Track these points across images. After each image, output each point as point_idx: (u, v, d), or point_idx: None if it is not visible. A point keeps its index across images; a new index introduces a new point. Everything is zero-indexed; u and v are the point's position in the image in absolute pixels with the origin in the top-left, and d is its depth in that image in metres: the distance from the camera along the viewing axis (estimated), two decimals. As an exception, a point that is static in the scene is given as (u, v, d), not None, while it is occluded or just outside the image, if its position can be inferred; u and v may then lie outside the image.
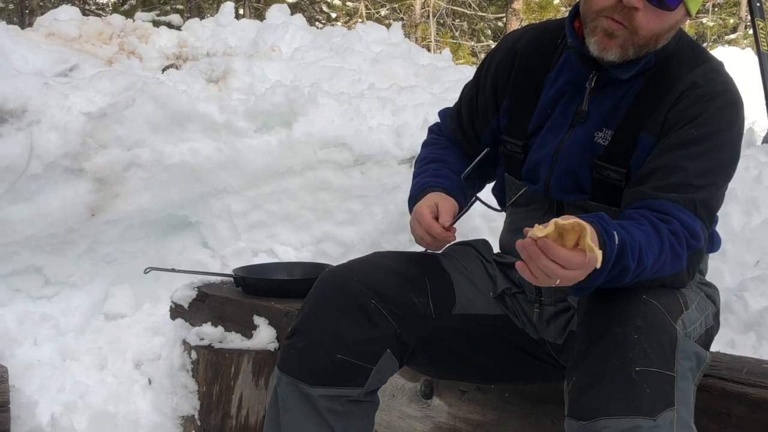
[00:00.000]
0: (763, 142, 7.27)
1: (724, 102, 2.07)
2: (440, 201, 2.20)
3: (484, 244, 2.40)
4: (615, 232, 1.81)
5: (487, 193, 2.44)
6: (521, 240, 1.74)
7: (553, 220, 1.71)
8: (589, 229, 1.70)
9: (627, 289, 1.92)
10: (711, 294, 2.25)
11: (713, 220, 2.08)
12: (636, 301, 1.89)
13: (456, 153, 2.44)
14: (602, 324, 1.88)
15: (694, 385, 1.91)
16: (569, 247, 1.71)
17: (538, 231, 1.71)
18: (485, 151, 2.32)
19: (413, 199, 2.28)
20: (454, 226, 2.19)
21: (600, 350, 1.85)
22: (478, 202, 2.33)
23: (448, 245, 2.26)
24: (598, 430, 1.78)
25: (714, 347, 2.44)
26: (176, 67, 5.78)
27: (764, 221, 4.58)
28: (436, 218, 2.16)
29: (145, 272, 3.55)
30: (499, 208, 2.39)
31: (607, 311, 1.90)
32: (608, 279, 1.83)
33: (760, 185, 5.30)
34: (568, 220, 1.70)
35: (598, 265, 1.72)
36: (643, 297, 1.90)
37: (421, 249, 2.27)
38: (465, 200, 2.33)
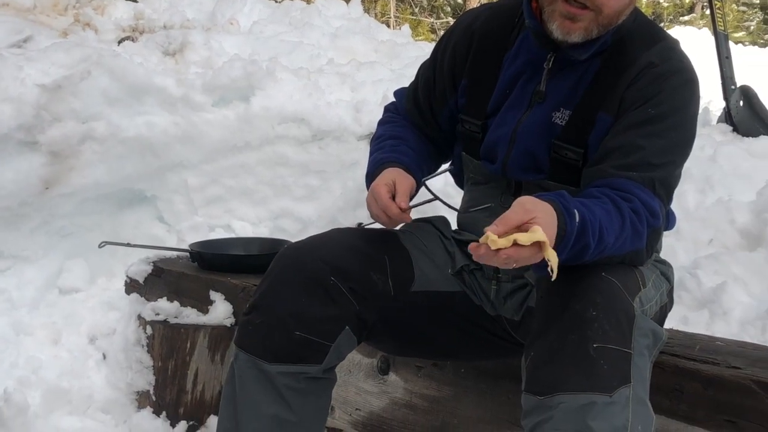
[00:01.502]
0: (718, 122, 7.33)
1: (681, 80, 2.09)
2: (398, 179, 2.18)
3: (443, 221, 2.40)
4: (576, 210, 1.81)
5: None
6: (474, 244, 1.75)
7: (514, 237, 1.71)
8: (547, 241, 1.72)
9: (586, 266, 1.93)
10: (665, 271, 2.27)
11: (671, 199, 2.09)
12: (595, 279, 1.90)
13: (413, 131, 2.43)
14: (561, 300, 1.89)
15: (650, 362, 1.93)
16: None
17: (492, 244, 1.71)
18: (449, 166, 2.31)
19: (371, 175, 2.27)
20: (410, 206, 2.18)
21: (558, 326, 1.86)
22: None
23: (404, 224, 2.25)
24: (554, 406, 1.79)
25: (667, 324, 2.46)
26: (132, 40, 5.70)
27: (719, 200, 4.63)
28: (393, 197, 2.15)
29: (100, 246, 3.52)
30: (456, 208, 2.39)
31: (566, 288, 1.91)
32: (569, 256, 1.84)
33: (715, 164, 5.37)
34: (526, 235, 1.71)
35: (553, 274, 1.74)
36: (602, 274, 1.91)
37: (378, 225, 2.27)
38: (423, 176, 2.32)
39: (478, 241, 1.76)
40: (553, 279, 1.75)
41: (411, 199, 2.19)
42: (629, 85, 2.08)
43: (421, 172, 2.32)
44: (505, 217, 1.75)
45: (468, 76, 2.30)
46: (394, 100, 2.57)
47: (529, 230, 1.72)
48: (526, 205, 1.77)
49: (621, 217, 1.92)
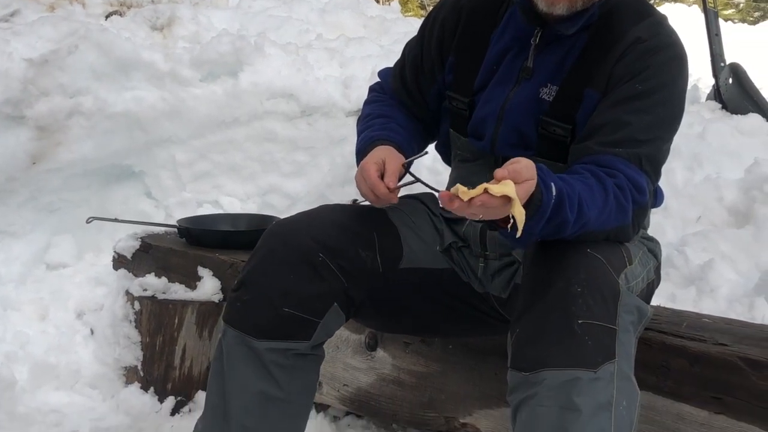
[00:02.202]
0: (707, 99, 7.34)
1: (669, 56, 2.08)
2: (388, 158, 2.15)
3: (432, 197, 2.39)
4: (552, 184, 1.81)
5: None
6: (445, 192, 1.75)
7: (485, 186, 1.71)
8: (516, 198, 1.71)
9: (571, 243, 1.93)
10: (653, 248, 2.27)
11: (658, 175, 2.09)
12: (580, 255, 1.90)
13: (401, 110, 2.41)
14: (546, 277, 1.90)
15: (635, 338, 1.94)
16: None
17: (464, 195, 1.71)
18: (425, 152, 2.29)
19: (361, 153, 2.25)
20: (398, 186, 2.16)
21: (543, 303, 1.86)
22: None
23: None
24: (539, 382, 1.80)
25: (655, 301, 2.47)
26: (120, 14, 5.67)
27: (707, 178, 4.64)
28: (382, 176, 2.13)
29: (88, 222, 3.51)
30: (438, 189, 2.37)
31: (551, 265, 1.91)
32: (547, 231, 1.85)
33: (704, 142, 5.37)
34: (497, 187, 1.71)
35: (518, 232, 1.74)
36: (587, 251, 1.91)
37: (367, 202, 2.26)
38: (414, 154, 2.32)
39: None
40: (517, 237, 1.75)
41: (400, 179, 2.17)
42: (617, 61, 2.07)
43: (411, 151, 2.31)
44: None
45: (455, 52, 2.30)
46: (379, 80, 2.56)
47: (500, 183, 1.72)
48: (508, 165, 1.77)
49: (604, 192, 1.92)
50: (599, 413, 1.78)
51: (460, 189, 1.72)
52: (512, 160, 1.78)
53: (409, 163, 2.16)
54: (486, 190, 1.71)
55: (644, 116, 2.02)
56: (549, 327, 1.83)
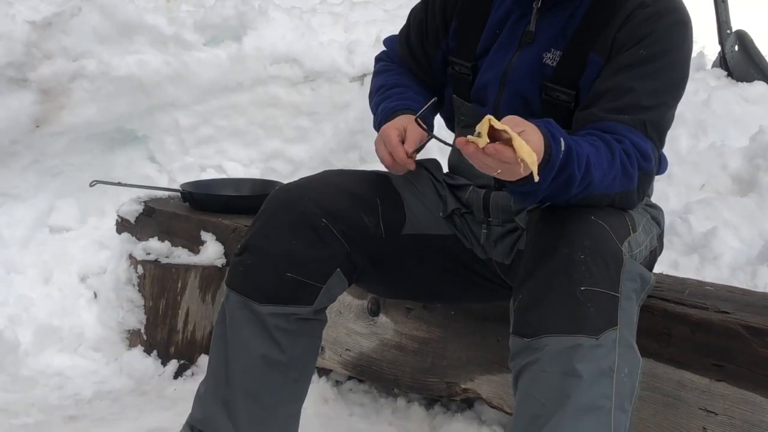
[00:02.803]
0: (713, 66, 7.30)
1: (672, 21, 2.06)
2: (409, 126, 2.15)
3: (435, 164, 2.39)
4: (562, 138, 1.80)
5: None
6: (462, 139, 1.73)
7: (487, 117, 1.69)
8: (523, 144, 1.68)
9: (575, 209, 1.93)
10: (656, 216, 2.27)
11: (663, 142, 2.09)
12: (584, 222, 1.90)
13: (412, 78, 2.41)
14: (549, 243, 1.89)
15: (637, 305, 1.94)
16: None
17: (480, 142, 1.69)
18: (433, 100, 2.24)
19: (383, 123, 2.23)
20: (416, 155, 2.15)
21: (546, 269, 1.86)
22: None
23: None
24: (541, 347, 1.81)
25: (657, 269, 2.48)
26: (123, -23, 5.64)
27: (711, 145, 4.63)
28: (402, 142, 2.13)
29: (91, 185, 3.51)
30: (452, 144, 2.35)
31: (555, 231, 1.91)
32: (554, 187, 1.83)
33: (709, 109, 5.35)
34: (501, 124, 1.69)
35: (534, 174, 1.71)
36: (591, 218, 1.90)
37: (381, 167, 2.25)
38: (432, 122, 2.31)
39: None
40: (536, 180, 1.73)
41: (419, 150, 2.16)
42: (620, 26, 2.05)
43: (431, 118, 2.31)
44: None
45: (458, 17, 2.29)
46: (384, 49, 2.54)
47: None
48: (516, 119, 1.75)
49: (611, 156, 1.91)
50: (601, 379, 1.78)
51: (477, 138, 1.70)
52: (507, 118, 1.76)
53: (424, 121, 2.15)
54: (490, 123, 1.69)
55: (649, 82, 2.01)
56: (551, 293, 1.83)
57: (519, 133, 1.70)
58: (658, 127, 2.03)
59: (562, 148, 1.78)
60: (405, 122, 2.17)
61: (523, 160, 1.68)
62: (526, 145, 1.69)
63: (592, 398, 1.77)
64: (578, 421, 1.76)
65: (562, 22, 2.13)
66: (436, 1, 2.34)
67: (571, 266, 1.83)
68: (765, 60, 6.99)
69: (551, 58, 2.13)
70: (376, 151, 2.17)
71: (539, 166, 1.74)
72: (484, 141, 1.69)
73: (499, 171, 1.73)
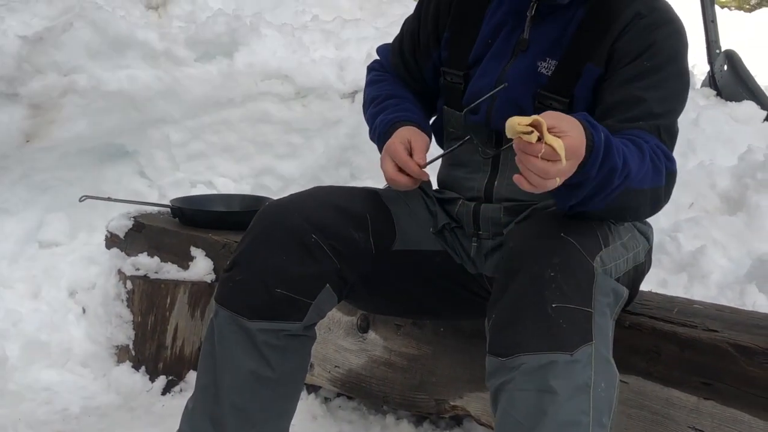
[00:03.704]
0: (702, 86, 7.33)
1: (671, 30, 2.09)
2: (413, 137, 2.15)
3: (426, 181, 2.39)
4: (600, 129, 1.79)
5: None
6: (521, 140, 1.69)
7: (533, 117, 1.67)
8: (544, 122, 1.67)
9: (545, 226, 1.95)
10: (645, 231, 2.27)
11: (673, 147, 2.10)
12: (552, 239, 1.91)
13: (405, 88, 2.42)
14: (519, 262, 1.90)
15: (612, 320, 1.94)
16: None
17: (531, 138, 1.67)
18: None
19: (383, 136, 2.23)
20: (427, 163, 2.15)
21: (517, 288, 1.87)
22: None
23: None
24: (516, 366, 1.81)
25: (646, 287, 2.48)
26: (115, -8, 5.64)
27: (700, 164, 4.65)
28: (410, 155, 2.12)
29: (81, 200, 3.51)
30: (489, 152, 2.30)
31: (525, 250, 1.92)
32: (598, 180, 1.80)
33: (698, 128, 5.37)
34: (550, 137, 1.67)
35: (562, 159, 1.68)
36: (560, 235, 1.91)
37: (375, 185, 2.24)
38: (429, 131, 2.31)
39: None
40: (563, 165, 1.68)
41: (429, 162, 2.16)
42: (618, 37, 2.07)
43: (428, 128, 2.31)
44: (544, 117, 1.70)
45: (450, 28, 2.30)
46: (377, 58, 2.55)
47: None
48: (552, 113, 1.74)
49: (641, 152, 1.91)
50: (577, 395, 1.78)
51: (524, 134, 1.67)
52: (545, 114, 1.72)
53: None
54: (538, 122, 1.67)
55: (658, 91, 2.04)
56: (523, 312, 1.84)
57: (555, 130, 1.68)
58: (669, 132, 2.06)
59: (602, 137, 1.78)
60: (408, 134, 2.17)
61: (551, 147, 1.67)
62: (555, 138, 1.68)
63: (569, 414, 1.77)
64: None
65: (556, 32, 2.15)
66: (429, 11, 2.35)
67: (541, 284, 1.83)
68: (754, 79, 7.04)
69: (546, 67, 2.14)
70: (383, 168, 2.15)
71: (585, 156, 1.73)
72: (534, 137, 1.67)
73: (557, 179, 1.71)
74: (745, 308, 2.62)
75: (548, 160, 1.67)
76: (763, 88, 7.00)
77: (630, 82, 2.04)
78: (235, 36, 4.52)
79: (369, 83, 2.50)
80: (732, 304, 2.83)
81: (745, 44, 8.46)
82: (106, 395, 3.21)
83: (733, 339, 2.11)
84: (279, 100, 4.57)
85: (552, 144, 1.67)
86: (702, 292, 3.37)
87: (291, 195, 2.22)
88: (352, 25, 5.44)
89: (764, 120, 6.08)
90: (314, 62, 4.66)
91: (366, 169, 4.34)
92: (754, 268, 3.48)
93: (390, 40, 2.53)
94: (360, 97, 4.52)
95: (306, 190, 2.25)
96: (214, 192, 4.30)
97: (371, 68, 2.54)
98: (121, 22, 4.29)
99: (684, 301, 2.51)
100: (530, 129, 1.66)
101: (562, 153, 1.68)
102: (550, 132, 1.67)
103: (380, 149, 2.23)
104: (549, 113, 1.73)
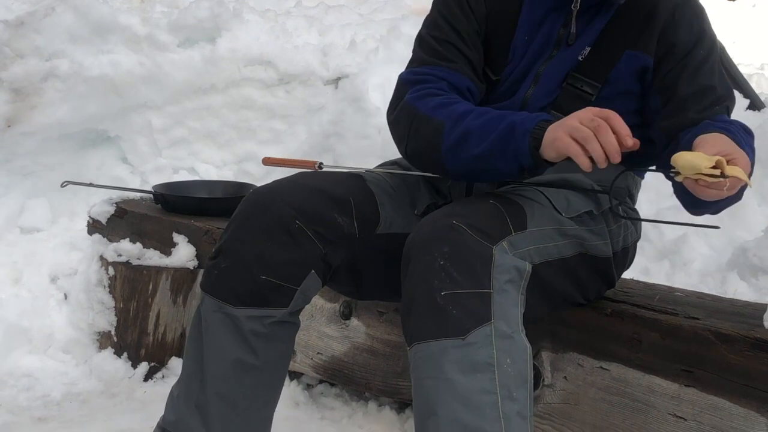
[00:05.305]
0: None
1: (703, 15, 2.20)
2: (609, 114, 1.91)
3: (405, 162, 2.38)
4: (735, 131, 1.93)
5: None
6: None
7: (715, 158, 1.75)
8: (723, 159, 1.76)
9: (442, 216, 1.95)
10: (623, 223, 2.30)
11: None
12: (445, 230, 1.91)
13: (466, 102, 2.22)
14: (414, 252, 1.92)
15: (520, 294, 1.92)
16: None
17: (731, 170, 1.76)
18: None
19: (526, 122, 1.98)
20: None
21: (410, 278, 1.90)
22: None
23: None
24: (413, 356, 1.86)
25: (629, 274, 2.49)
26: (97, -23, 5.61)
27: (682, 153, 4.65)
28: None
29: (63, 186, 3.49)
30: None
31: (417, 239, 1.94)
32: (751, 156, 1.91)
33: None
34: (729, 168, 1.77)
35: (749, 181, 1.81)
36: (452, 223, 1.91)
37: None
38: None
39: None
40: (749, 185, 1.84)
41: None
42: (666, 26, 2.13)
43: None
44: (713, 149, 1.80)
45: (489, 22, 2.26)
46: (405, 87, 2.25)
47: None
48: (711, 142, 1.83)
49: (747, 133, 2.01)
50: (476, 376, 1.80)
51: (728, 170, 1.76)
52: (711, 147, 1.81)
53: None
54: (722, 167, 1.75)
55: (715, 75, 2.14)
56: (415, 302, 1.87)
57: (727, 156, 1.78)
58: (730, 111, 2.16)
59: (739, 139, 1.90)
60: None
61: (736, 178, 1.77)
62: (735, 168, 1.78)
63: (469, 396, 1.79)
64: (458, 421, 1.78)
65: (596, 20, 2.19)
66: (479, 8, 2.27)
67: (431, 273, 1.86)
68: (737, 68, 7.05)
69: (582, 54, 2.18)
70: (588, 142, 1.85)
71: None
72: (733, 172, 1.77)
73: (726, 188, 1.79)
74: (727, 296, 2.63)
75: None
76: (746, 77, 7.03)
77: (696, 73, 2.12)
78: (218, 21, 4.50)
79: (439, 106, 2.13)
80: (713, 292, 2.84)
81: (728, 33, 8.47)
82: (87, 381, 3.20)
83: (714, 327, 2.12)
84: (262, 86, 4.56)
85: (736, 175, 1.76)
86: (684, 280, 3.38)
87: (274, 181, 2.21)
88: (336, 11, 5.42)
89: (746, 108, 6.10)
90: (297, 48, 4.65)
91: (348, 156, 4.33)
92: (736, 256, 3.49)
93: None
94: (343, 84, 4.53)
95: (288, 176, 2.24)
96: (197, 178, 4.29)
97: (416, 90, 2.20)
98: (103, 6, 4.26)
99: (665, 289, 2.53)
100: (718, 171, 1.75)
101: (746, 179, 1.79)
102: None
103: (520, 139, 1.98)
104: (707, 143, 1.83)
